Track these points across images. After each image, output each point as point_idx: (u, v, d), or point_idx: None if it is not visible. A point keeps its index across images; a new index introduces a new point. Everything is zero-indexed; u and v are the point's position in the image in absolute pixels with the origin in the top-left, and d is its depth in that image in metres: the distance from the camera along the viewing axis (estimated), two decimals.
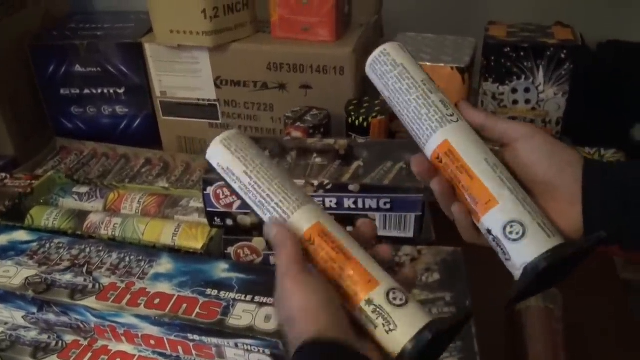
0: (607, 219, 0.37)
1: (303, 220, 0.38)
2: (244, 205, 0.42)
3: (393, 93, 0.41)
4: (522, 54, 0.74)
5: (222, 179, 0.42)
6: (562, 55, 0.73)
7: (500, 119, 0.40)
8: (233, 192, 0.41)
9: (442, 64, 0.73)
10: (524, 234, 0.37)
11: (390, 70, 0.41)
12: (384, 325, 0.35)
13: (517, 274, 0.38)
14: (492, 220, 0.38)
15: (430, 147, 0.40)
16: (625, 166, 0.40)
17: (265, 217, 0.40)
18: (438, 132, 0.40)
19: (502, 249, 0.38)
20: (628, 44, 0.92)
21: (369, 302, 0.36)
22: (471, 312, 0.38)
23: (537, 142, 0.38)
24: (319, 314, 0.34)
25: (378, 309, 0.35)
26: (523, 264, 0.37)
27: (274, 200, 0.39)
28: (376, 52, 0.42)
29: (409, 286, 0.38)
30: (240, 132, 0.43)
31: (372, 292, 0.36)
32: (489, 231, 0.38)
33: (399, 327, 0.35)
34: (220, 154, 0.41)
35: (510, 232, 0.37)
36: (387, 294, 0.36)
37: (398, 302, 0.36)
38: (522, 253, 0.37)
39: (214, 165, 0.42)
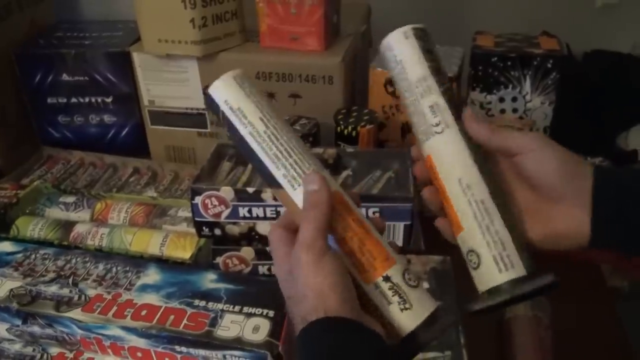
0: (616, 226, 0.36)
1: None
2: (247, 153, 0.38)
3: (397, 88, 0.41)
4: (509, 63, 0.75)
5: (223, 118, 0.38)
6: (549, 65, 0.74)
7: (506, 133, 0.38)
8: (236, 136, 0.38)
9: None
10: (479, 264, 0.37)
11: (393, 67, 0.40)
12: (399, 303, 0.36)
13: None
14: (461, 244, 0.39)
15: (424, 157, 0.40)
16: (637, 174, 0.39)
17: (278, 173, 0.37)
18: (424, 145, 0.40)
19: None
20: (613, 54, 0.93)
21: (387, 279, 0.36)
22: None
23: (546, 155, 0.37)
24: (330, 295, 0.34)
25: (395, 287, 0.36)
26: (480, 291, 0.38)
27: (292, 157, 0.37)
28: (381, 46, 0.41)
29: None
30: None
31: (390, 270, 0.36)
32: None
33: (414, 307, 0.36)
34: (231, 91, 0.37)
35: (470, 260, 0.38)
36: (404, 274, 0.36)
37: (412, 282, 0.36)
38: (478, 281, 0.38)
39: (219, 101, 0.38)
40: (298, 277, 0.35)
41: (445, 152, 0.38)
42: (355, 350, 0.33)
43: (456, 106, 0.39)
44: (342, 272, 0.35)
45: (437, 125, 0.39)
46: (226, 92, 0.38)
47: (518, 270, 0.36)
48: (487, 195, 0.37)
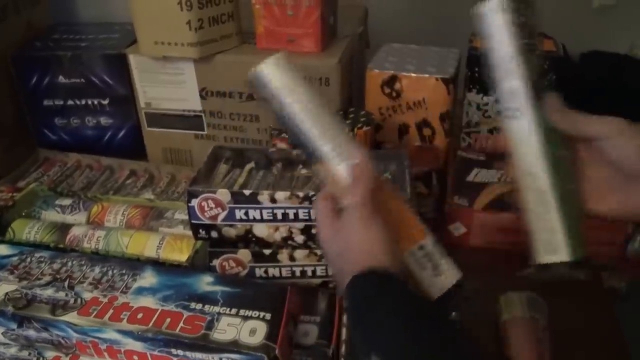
0: None
1: None
2: (296, 128, 0.42)
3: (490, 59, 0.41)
4: None
5: (274, 96, 0.42)
6: (545, 66, 0.74)
7: (586, 121, 0.40)
8: (286, 112, 0.41)
9: (427, 75, 0.74)
10: (532, 242, 0.42)
11: (487, 38, 0.41)
12: (432, 268, 0.41)
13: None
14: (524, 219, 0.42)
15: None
16: None
17: (327, 147, 0.42)
18: (503, 124, 0.41)
19: None
20: (610, 55, 0.94)
21: (422, 247, 0.41)
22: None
23: (626, 142, 0.39)
24: (374, 246, 0.39)
25: (429, 255, 0.41)
26: (532, 262, 0.42)
27: (340, 136, 0.42)
28: (475, 14, 0.40)
29: None
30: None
31: (424, 239, 0.42)
32: None
33: (445, 273, 0.41)
34: (280, 72, 0.42)
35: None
36: (435, 244, 0.42)
37: (442, 252, 0.42)
38: (532, 254, 0.42)
39: (268, 81, 0.42)
40: (348, 233, 0.40)
41: (518, 137, 0.41)
42: (394, 301, 0.36)
43: (537, 88, 0.40)
44: (389, 231, 0.40)
45: (513, 109, 0.40)
46: (276, 73, 0.42)
47: (561, 255, 0.41)
48: (548, 186, 0.40)
